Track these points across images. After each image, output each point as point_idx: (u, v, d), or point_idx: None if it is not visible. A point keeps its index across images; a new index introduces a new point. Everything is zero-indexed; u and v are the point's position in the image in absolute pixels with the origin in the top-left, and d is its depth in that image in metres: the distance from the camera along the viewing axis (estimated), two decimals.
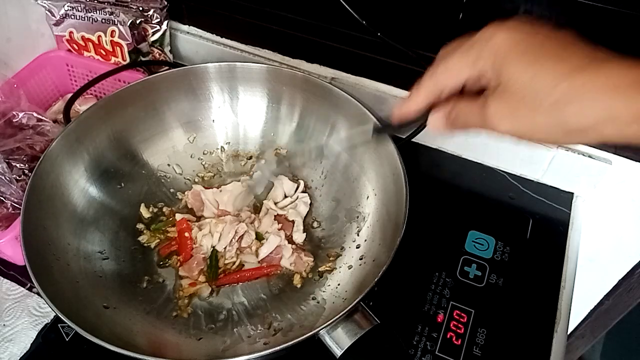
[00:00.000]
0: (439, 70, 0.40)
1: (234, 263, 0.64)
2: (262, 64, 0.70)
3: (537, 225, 0.70)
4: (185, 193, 0.70)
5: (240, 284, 0.63)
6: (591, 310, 0.98)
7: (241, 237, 0.64)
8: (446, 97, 0.41)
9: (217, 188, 0.69)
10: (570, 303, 0.64)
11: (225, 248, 0.63)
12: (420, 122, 0.43)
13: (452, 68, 0.39)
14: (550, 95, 0.33)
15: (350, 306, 0.48)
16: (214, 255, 0.63)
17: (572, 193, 0.75)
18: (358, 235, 0.63)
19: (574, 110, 0.33)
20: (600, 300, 0.94)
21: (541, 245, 0.68)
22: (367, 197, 0.65)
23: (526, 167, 0.76)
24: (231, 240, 0.63)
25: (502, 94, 0.36)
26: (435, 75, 0.40)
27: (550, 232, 0.70)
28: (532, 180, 0.76)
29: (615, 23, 0.59)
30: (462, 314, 0.61)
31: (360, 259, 0.60)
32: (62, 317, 0.47)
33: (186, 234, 0.65)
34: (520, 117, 0.35)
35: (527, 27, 0.36)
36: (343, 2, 0.70)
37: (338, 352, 0.48)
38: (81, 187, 0.63)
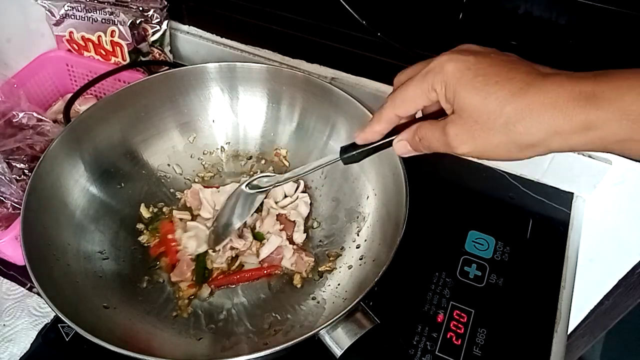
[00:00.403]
0: (397, 101, 0.43)
1: (224, 269, 0.63)
2: (262, 64, 0.70)
3: (537, 225, 0.70)
4: (185, 192, 0.70)
5: (241, 284, 0.63)
6: (591, 310, 0.98)
7: (233, 247, 0.64)
8: (405, 121, 0.45)
9: (217, 188, 0.69)
10: (570, 303, 0.64)
11: (217, 252, 0.63)
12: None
13: (409, 99, 0.42)
14: (500, 117, 0.37)
15: (351, 306, 0.48)
16: (200, 261, 0.63)
17: (572, 193, 0.75)
18: (358, 235, 0.63)
19: (522, 129, 0.36)
20: (600, 300, 0.94)
21: (541, 245, 0.68)
22: (367, 197, 0.65)
23: (526, 167, 0.76)
24: (224, 246, 0.63)
25: (458, 119, 0.39)
26: (394, 106, 0.43)
27: (550, 232, 0.70)
28: (532, 180, 0.76)
29: (615, 23, 0.59)
30: (462, 314, 0.61)
31: (360, 259, 0.60)
32: (62, 317, 0.47)
33: (169, 236, 0.65)
34: (477, 138, 0.38)
35: (473, 57, 0.39)
36: (343, 2, 0.70)
37: (338, 352, 0.48)
38: (81, 187, 0.63)
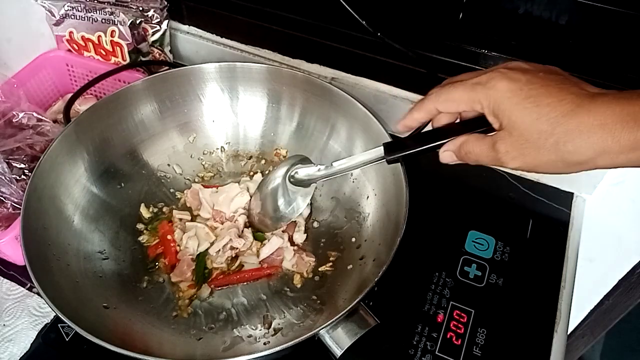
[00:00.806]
0: (442, 97, 0.46)
1: (224, 270, 0.63)
2: (262, 64, 0.70)
3: (537, 225, 0.70)
4: (185, 192, 0.70)
5: (240, 284, 0.63)
6: (591, 310, 0.98)
7: (233, 247, 0.64)
8: (442, 118, 0.48)
9: (216, 188, 0.69)
10: (570, 303, 0.64)
11: (218, 252, 0.63)
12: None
13: (453, 99, 0.45)
14: (550, 137, 0.39)
15: (350, 306, 0.48)
16: (200, 260, 0.63)
17: (572, 193, 0.75)
18: (358, 235, 0.63)
19: (571, 149, 0.38)
20: (600, 300, 0.94)
21: (541, 245, 0.68)
22: (367, 197, 0.65)
23: None
24: (224, 246, 0.63)
25: (508, 136, 0.41)
26: (438, 100, 0.46)
27: (550, 232, 0.70)
28: (532, 180, 0.76)
29: (615, 23, 0.59)
30: (462, 314, 0.61)
31: (361, 259, 0.60)
32: (62, 317, 0.47)
33: (169, 237, 0.65)
34: (527, 155, 0.41)
35: (524, 76, 0.41)
36: (343, 2, 0.70)
37: (338, 352, 0.48)
38: (81, 187, 0.63)
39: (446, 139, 0.48)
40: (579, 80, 0.41)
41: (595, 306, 0.96)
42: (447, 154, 0.48)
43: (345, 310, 0.48)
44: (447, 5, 0.69)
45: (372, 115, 0.62)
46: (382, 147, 0.53)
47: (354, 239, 0.64)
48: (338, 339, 0.48)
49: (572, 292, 0.66)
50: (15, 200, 0.66)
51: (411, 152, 0.51)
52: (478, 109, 0.43)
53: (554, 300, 0.63)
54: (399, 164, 0.57)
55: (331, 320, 0.48)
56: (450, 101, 0.45)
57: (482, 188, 0.75)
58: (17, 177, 0.68)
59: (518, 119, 0.40)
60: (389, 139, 0.57)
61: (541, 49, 0.68)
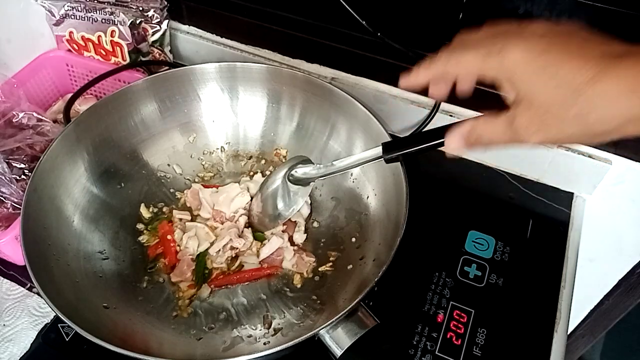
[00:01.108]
0: (453, 59, 0.42)
1: (224, 270, 0.63)
2: (262, 64, 0.70)
3: (537, 225, 0.70)
4: (185, 192, 0.70)
5: (240, 284, 0.63)
6: (591, 310, 0.98)
7: (233, 247, 0.64)
8: (446, 80, 0.44)
9: (216, 188, 0.69)
10: (570, 303, 0.64)
11: (218, 252, 0.63)
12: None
13: (465, 62, 0.41)
14: (573, 107, 0.35)
15: (350, 306, 0.48)
16: (200, 260, 0.63)
17: (572, 193, 0.75)
18: (358, 235, 0.63)
19: (597, 118, 0.35)
20: (600, 300, 0.94)
21: (541, 245, 0.68)
22: (367, 197, 0.65)
23: (526, 167, 0.76)
24: (224, 246, 0.63)
25: (528, 109, 0.38)
26: (448, 61, 0.42)
27: (550, 232, 0.70)
28: (532, 180, 0.76)
29: (615, 23, 0.59)
30: (462, 314, 0.61)
31: (361, 259, 0.60)
32: (62, 317, 0.47)
33: (169, 237, 0.65)
34: (549, 127, 0.37)
35: (542, 40, 0.37)
36: (343, 2, 0.70)
37: (338, 352, 0.48)
38: (81, 187, 0.63)
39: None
40: (605, 38, 0.36)
41: (595, 306, 0.96)
42: (454, 141, 0.44)
43: (345, 311, 0.48)
44: (447, 5, 0.69)
45: (372, 115, 0.62)
46: (380, 147, 0.53)
47: (354, 239, 0.64)
48: (338, 339, 0.48)
49: (572, 292, 0.66)
50: (15, 200, 0.66)
51: (409, 150, 0.50)
52: (490, 74, 0.39)
53: (554, 300, 0.63)
54: (399, 163, 0.57)
55: (331, 321, 0.48)
56: (462, 63, 0.41)
57: (482, 188, 0.75)
58: (17, 177, 0.68)
59: (536, 89, 0.36)
60: (389, 139, 0.57)
61: None
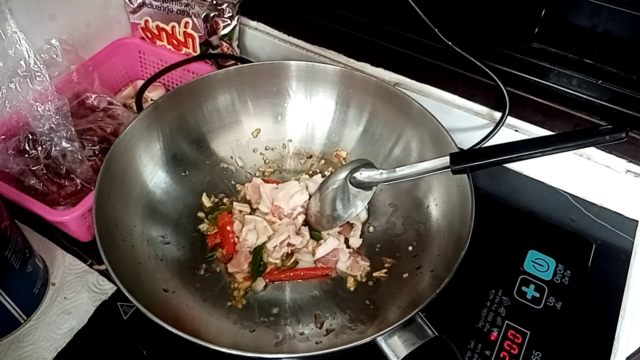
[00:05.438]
0: None
1: (278, 265, 0.64)
2: (335, 65, 0.70)
3: (600, 250, 0.68)
4: (245, 185, 0.71)
5: (294, 281, 0.63)
6: None
7: (290, 244, 0.64)
8: None
9: (276, 184, 0.70)
10: (630, 334, 0.62)
11: (275, 247, 0.64)
12: None
13: None
14: None
15: (409, 316, 0.48)
16: (257, 254, 0.64)
17: (637, 221, 0.72)
18: (416, 244, 0.63)
19: None
20: None
21: (603, 272, 0.66)
22: (427, 206, 0.64)
23: (590, 190, 0.74)
24: (282, 242, 0.64)
25: None
26: None
27: (612, 259, 0.67)
28: (595, 204, 0.74)
29: None
30: (517, 335, 0.60)
31: (417, 269, 0.60)
32: (126, 293, 0.48)
33: (228, 228, 0.65)
34: None
35: None
36: (417, 9, 0.70)
37: None
38: (149, 171, 0.65)
39: (516, 152, 0.47)
40: None
41: None
42: None
43: (403, 320, 0.48)
44: (524, 19, 0.68)
45: (443, 128, 0.61)
46: (447, 157, 0.52)
47: (410, 248, 0.63)
48: (395, 347, 0.48)
49: (632, 322, 0.63)
50: (84, 178, 0.68)
51: (479, 163, 0.50)
52: None
53: (612, 329, 0.61)
54: (466, 176, 0.56)
55: (390, 328, 0.47)
56: None
57: (543, 207, 0.74)
58: (88, 157, 0.70)
59: None
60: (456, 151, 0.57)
61: (618, 70, 0.66)
